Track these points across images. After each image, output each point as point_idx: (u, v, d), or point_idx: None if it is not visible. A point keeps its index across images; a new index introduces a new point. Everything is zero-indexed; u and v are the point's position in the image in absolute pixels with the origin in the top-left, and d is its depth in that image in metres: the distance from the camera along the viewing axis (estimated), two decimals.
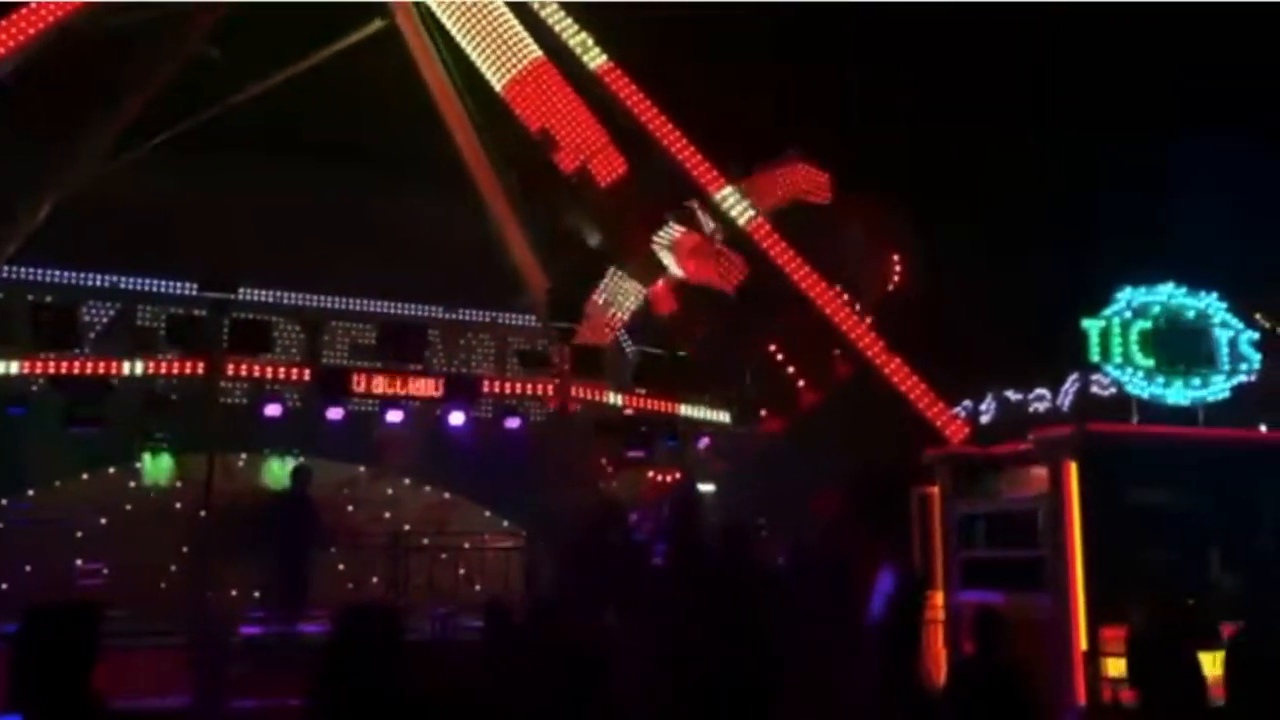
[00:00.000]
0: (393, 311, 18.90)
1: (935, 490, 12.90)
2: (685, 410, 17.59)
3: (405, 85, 18.79)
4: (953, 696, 7.68)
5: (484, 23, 17.70)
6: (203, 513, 15.34)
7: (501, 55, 17.58)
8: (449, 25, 18.00)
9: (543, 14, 17.79)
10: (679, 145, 17.50)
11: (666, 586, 10.31)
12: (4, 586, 15.31)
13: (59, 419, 14.47)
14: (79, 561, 15.85)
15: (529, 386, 16.93)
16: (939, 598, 12.39)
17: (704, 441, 17.91)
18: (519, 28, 17.63)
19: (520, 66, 17.46)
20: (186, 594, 13.78)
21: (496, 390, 16.77)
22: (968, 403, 16.07)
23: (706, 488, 17.47)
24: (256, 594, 15.60)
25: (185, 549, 15.73)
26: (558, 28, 17.73)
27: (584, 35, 17.68)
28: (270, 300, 17.39)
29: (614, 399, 17.07)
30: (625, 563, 10.96)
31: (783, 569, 11.62)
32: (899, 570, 9.57)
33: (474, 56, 17.77)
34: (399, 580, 15.86)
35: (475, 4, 17.75)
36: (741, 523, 11.72)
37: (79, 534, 16.23)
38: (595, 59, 17.56)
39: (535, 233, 19.46)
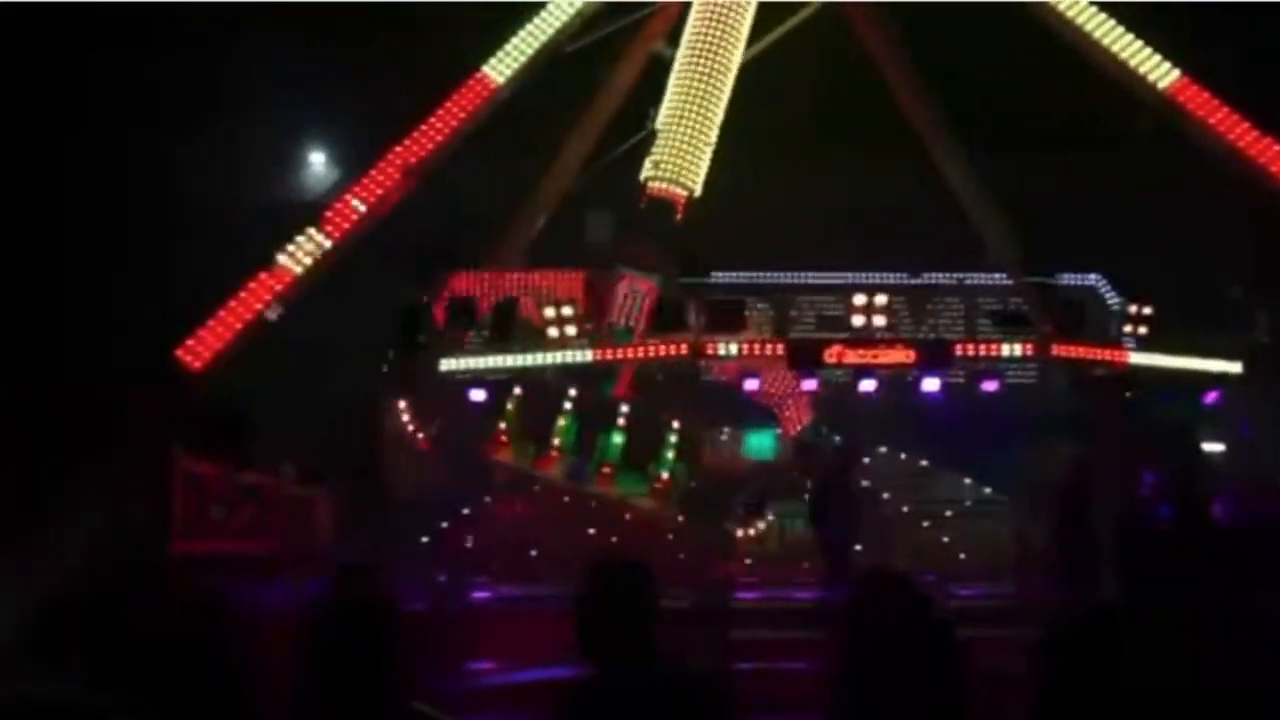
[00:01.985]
0: (856, 282, 18.96)
1: None
2: (1186, 363, 16.06)
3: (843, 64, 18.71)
4: None
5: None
6: (693, 484, 16.34)
7: None
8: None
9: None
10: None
11: (1171, 554, 9.44)
12: (533, 553, 17.19)
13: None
14: (590, 530, 17.46)
15: (1005, 347, 16.25)
16: None
17: (1211, 396, 16.26)
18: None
19: None
20: (688, 561, 14.68)
21: (970, 353, 16.27)
22: None
23: (1215, 447, 15.87)
24: (748, 561, 16.35)
25: (680, 518, 16.83)
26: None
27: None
28: (740, 280, 18.06)
29: (1101, 355, 15.96)
30: (1128, 527, 10.18)
31: None
32: None
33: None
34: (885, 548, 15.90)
35: None
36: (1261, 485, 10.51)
37: (593, 504, 17.86)
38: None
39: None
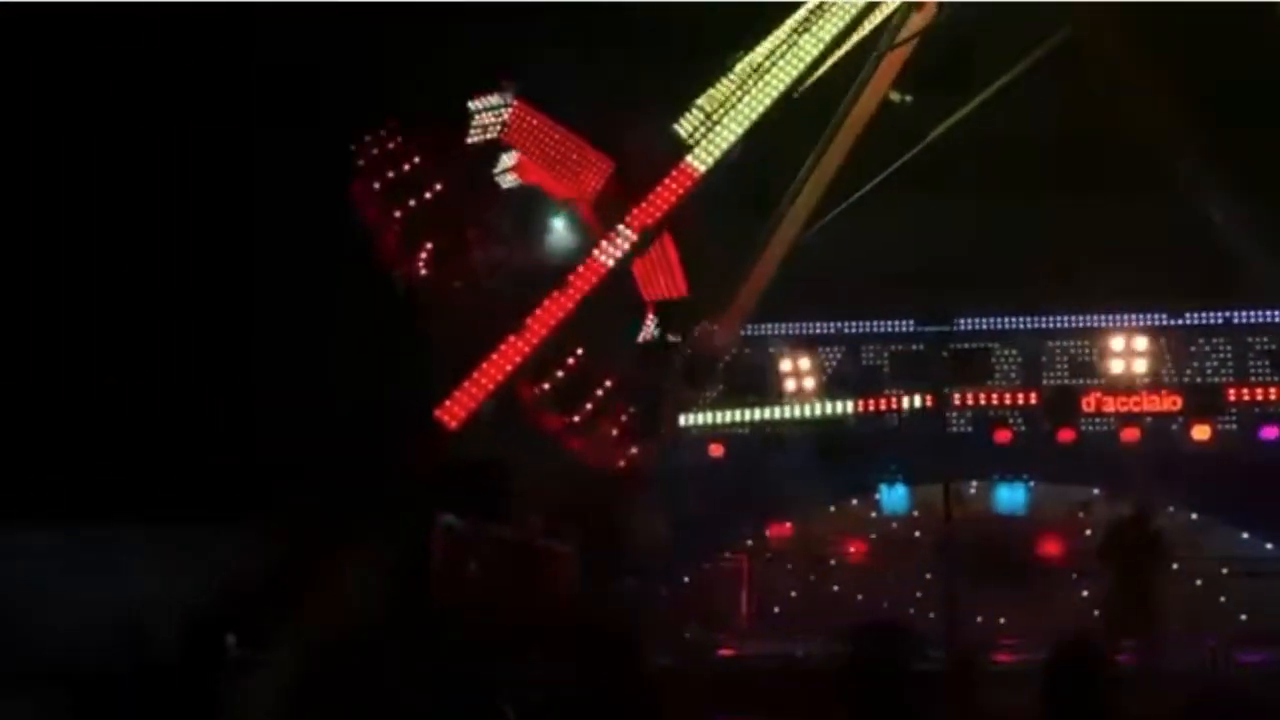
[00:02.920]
0: (1110, 325, 17.97)
1: None
2: None
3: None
4: None
5: None
6: (942, 540, 15.80)
7: None
8: None
9: None
10: None
11: None
12: (776, 610, 17.06)
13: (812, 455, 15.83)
14: (834, 587, 17.17)
15: None
16: None
17: None
18: None
19: None
20: (940, 620, 14.20)
21: (1245, 398, 15.10)
22: None
23: None
24: (1002, 620, 15.66)
25: (928, 575, 16.32)
26: None
27: None
28: (987, 327, 17.45)
29: None
30: None
31: None
32: None
33: None
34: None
35: None
36: None
37: (831, 562, 17.59)
38: None
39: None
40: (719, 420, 16.18)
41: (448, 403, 15.85)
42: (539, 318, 16.35)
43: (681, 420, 16.24)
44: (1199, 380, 16.21)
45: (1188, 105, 17.12)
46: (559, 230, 17.43)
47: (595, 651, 5.00)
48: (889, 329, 17.97)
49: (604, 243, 16.44)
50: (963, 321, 16.07)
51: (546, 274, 16.65)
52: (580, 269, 16.51)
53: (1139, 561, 12.36)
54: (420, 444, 14.85)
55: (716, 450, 16.24)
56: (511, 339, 16.28)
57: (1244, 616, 15.22)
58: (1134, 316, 17.09)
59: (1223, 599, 15.86)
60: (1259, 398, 15.20)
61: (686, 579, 16.14)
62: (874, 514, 17.74)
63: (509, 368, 16.11)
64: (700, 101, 17.05)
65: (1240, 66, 16.22)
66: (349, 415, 14.97)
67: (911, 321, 18.24)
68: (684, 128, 16.81)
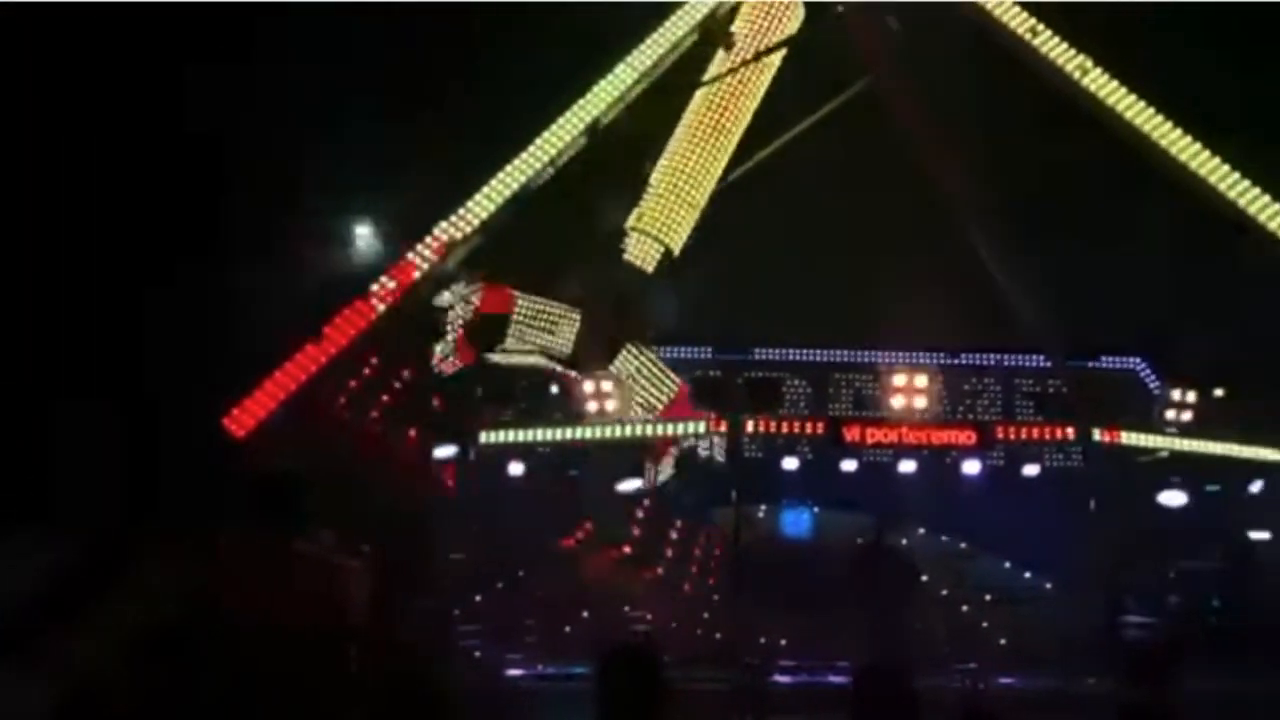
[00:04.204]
0: (893, 362, 18.94)
1: None
2: (1234, 449, 15.90)
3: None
4: None
5: None
6: (731, 562, 16.25)
7: None
8: None
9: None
10: None
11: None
12: (567, 629, 17.10)
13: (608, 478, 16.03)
14: (625, 608, 17.36)
15: (1046, 431, 16.17)
16: None
17: (1257, 484, 16.05)
18: None
19: None
20: (724, 641, 14.58)
21: (1011, 436, 16.20)
22: None
23: (1260, 535, 15.63)
24: (783, 641, 16.20)
25: (715, 597, 16.73)
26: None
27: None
28: (779, 358, 18.13)
29: (1147, 440, 15.83)
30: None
31: None
32: None
33: None
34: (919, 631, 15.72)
35: None
36: None
37: (622, 582, 17.76)
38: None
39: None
40: (520, 438, 16.18)
41: (236, 411, 15.28)
42: (338, 326, 15.97)
43: (482, 438, 16.15)
44: (971, 417, 17.28)
45: (970, 160, 18.31)
46: (364, 238, 17.09)
47: (383, 669, 4.94)
48: (688, 355, 18.45)
49: (408, 255, 16.24)
50: (758, 351, 16.63)
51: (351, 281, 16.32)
52: (380, 282, 16.22)
53: (889, 587, 13.06)
54: (208, 451, 14.25)
55: (517, 468, 16.22)
56: (308, 347, 15.84)
57: (1003, 641, 16.17)
58: (916, 355, 18.10)
59: (985, 624, 16.84)
60: (1024, 436, 16.27)
61: (479, 598, 15.99)
62: (673, 535, 18.08)
63: (303, 376, 15.66)
64: None
65: (1019, 127, 17.49)
66: (133, 422, 14.19)
67: (710, 349, 18.82)
68: None
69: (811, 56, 18.09)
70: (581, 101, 16.96)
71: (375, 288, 16.05)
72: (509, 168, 16.59)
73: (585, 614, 16.80)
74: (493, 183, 16.55)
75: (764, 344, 18.56)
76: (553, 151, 16.66)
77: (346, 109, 16.92)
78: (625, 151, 17.91)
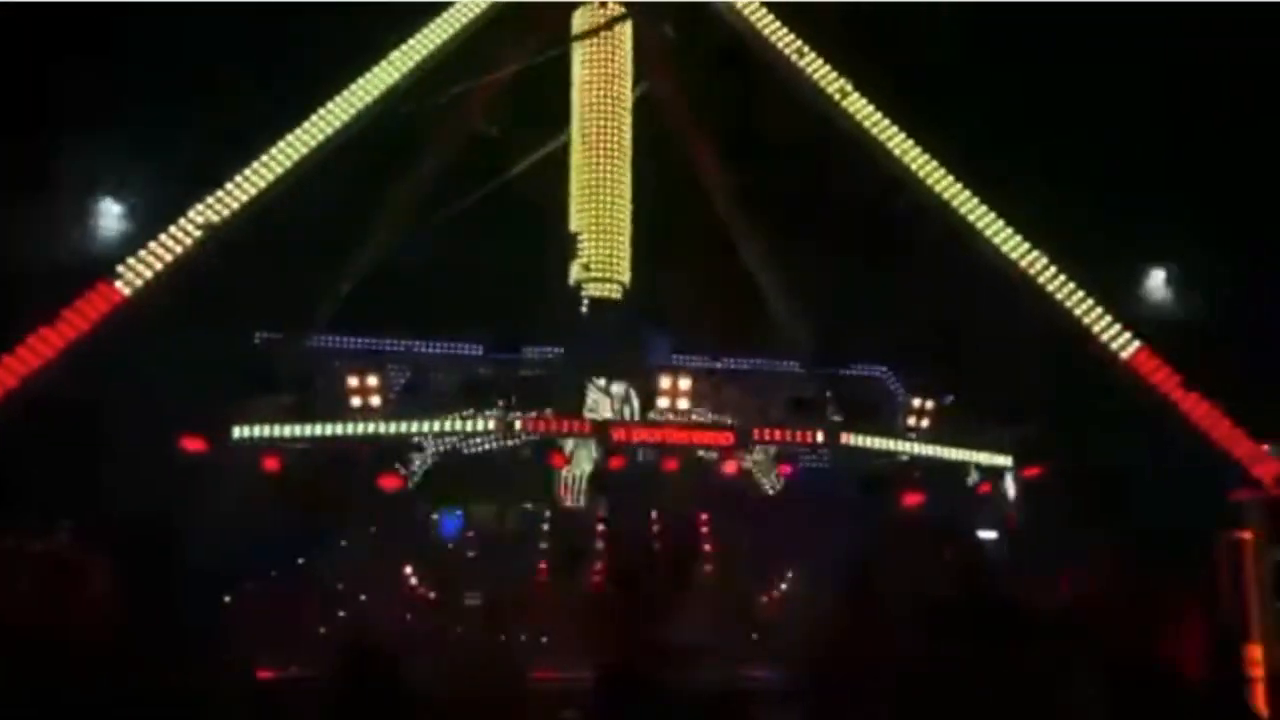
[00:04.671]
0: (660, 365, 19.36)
1: (1248, 536, 11.99)
2: (965, 454, 17.15)
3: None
4: None
5: None
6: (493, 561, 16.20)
7: None
8: None
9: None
10: None
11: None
12: (322, 630, 16.60)
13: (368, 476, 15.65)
14: (383, 609, 17.01)
15: (798, 435, 16.91)
16: (1256, 652, 11.45)
17: (983, 487, 17.38)
18: None
19: None
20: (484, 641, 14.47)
21: (765, 438, 16.85)
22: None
23: (988, 534, 16.89)
24: (544, 639, 16.25)
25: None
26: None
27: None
28: (552, 357, 18.20)
29: (887, 445, 16.84)
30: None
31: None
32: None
33: None
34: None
35: None
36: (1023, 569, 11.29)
37: (384, 582, 17.41)
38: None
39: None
40: (277, 434, 15.58)
41: None
42: (78, 310, 14.93)
43: (236, 432, 15.47)
44: (730, 420, 17.86)
45: (738, 172, 19.02)
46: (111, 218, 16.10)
47: (124, 667, 4.69)
48: (460, 351, 18.28)
49: (160, 236, 15.39)
50: (529, 350, 16.64)
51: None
52: (129, 264, 15.30)
53: (652, 584, 13.33)
54: None
55: (272, 464, 15.58)
56: (44, 331, 14.75)
57: (755, 636, 16.77)
58: (681, 358, 18.59)
59: (740, 619, 17.41)
60: (778, 438, 16.95)
61: (228, 598, 15.28)
62: (430, 534, 17.83)
63: (37, 363, 14.55)
64: None
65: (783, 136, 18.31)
66: None
67: (482, 347, 18.72)
68: None
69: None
70: (346, 91, 16.57)
71: (121, 269, 15.12)
72: (268, 154, 15.99)
73: (340, 614, 16.41)
74: (254, 165, 15.89)
75: (536, 343, 18.62)
76: (312, 143, 16.17)
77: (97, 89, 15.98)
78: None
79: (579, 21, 18.87)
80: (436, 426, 15.84)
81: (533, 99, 18.95)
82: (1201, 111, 20.40)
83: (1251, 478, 14.54)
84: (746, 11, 18.08)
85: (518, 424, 15.46)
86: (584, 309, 17.65)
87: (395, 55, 16.86)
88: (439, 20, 17.27)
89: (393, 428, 15.62)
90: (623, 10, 18.69)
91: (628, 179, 18.40)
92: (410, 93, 16.98)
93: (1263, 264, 18.67)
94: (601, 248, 17.94)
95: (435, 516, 17.49)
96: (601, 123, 18.35)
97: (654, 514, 15.69)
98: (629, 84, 18.81)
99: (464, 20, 17.36)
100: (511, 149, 19.23)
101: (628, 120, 18.64)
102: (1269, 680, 11.29)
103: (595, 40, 18.57)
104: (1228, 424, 15.50)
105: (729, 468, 16.60)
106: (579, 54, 18.78)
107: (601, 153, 18.30)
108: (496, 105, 18.76)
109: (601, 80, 18.54)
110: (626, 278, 18.00)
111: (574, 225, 18.16)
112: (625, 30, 18.82)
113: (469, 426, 15.76)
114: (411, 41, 16.95)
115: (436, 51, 17.11)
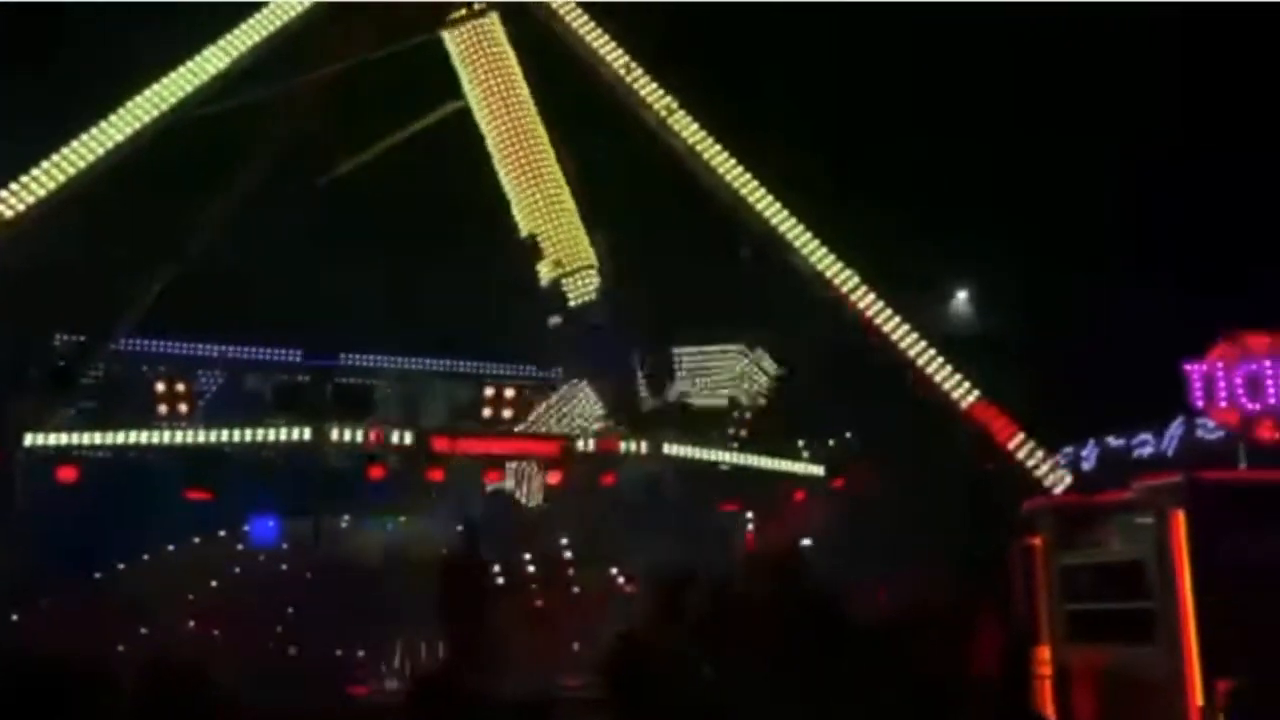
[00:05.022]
0: (488, 374, 19.24)
1: (1038, 541, 12.64)
2: (779, 464, 17.60)
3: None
4: None
5: None
6: (308, 574, 15.76)
7: None
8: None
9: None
10: None
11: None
12: (121, 648, 15.82)
13: (174, 487, 14.98)
14: (190, 623, 16.36)
15: (625, 444, 17.03)
16: (1045, 652, 12.10)
17: (799, 495, 17.87)
18: None
19: None
20: (301, 656, 14.10)
21: (592, 449, 16.91)
22: (1068, 449, 15.72)
23: (803, 541, 17.37)
24: (361, 653, 15.92)
25: (290, 610, 16.15)
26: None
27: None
28: (371, 364, 17.85)
29: (709, 454, 17.14)
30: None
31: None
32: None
33: None
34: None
35: None
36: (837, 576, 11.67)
37: (190, 597, 16.74)
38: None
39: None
40: (74, 441, 14.73)
41: None
42: None
43: (28, 440, 14.58)
44: (558, 431, 17.86)
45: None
46: None
47: None
48: (276, 357, 17.72)
49: None
50: (347, 357, 16.25)
51: None
52: None
53: (473, 600, 13.25)
54: None
55: (68, 474, 14.71)
56: None
57: (576, 645, 16.79)
58: (504, 367, 18.48)
59: (561, 630, 17.41)
60: (604, 449, 17.01)
61: (15, 617, 14.44)
62: (240, 546, 17.25)
63: None
64: None
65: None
66: None
67: (300, 352, 18.20)
68: None
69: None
70: (157, 85, 15.90)
71: None
72: (69, 147, 15.18)
73: (143, 631, 15.69)
74: (54, 158, 15.05)
75: (356, 349, 18.21)
76: (119, 136, 15.43)
77: None
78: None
79: (453, 45, 18.75)
80: (248, 436, 15.24)
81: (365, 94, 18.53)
82: (1009, 126, 21.54)
83: (1044, 487, 15.35)
84: (575, 25, 18.15)
85: (334, 434, 15.04)
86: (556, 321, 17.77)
87: (209, 51, 16.25)
88: (251, 21, 16.78)
89: (200, 436, 14.98)
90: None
91: (557, 168, 18.37)
92: (228, 91, 16.39)
93: (1058, 277, 19.70)
94: (564, 237, 17.93)
95: (246, 528, 16.90)
96: (513, 131, 18.43)
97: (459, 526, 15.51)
98: (521, 80, 18.73)
99: (273, 25, 16.91)
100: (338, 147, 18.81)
101: (534, 114, 18.61)
102: (1055, 678, 11.97)
103: (476, 58, 18.58)
104: (1022, 435, 16.19)
105: (554, 478, 16.60)
106: (466, 76, 18.75)
107: (525, 156, 18.32)
108: (324, 102, 18.29)
109: (498, 92, 18.59)
110: (595, 259, 17.95)
111: (525, 230, 18.06)
112: (499, 33, 18.74)
113: (283, 436, 15.23)
114: (222, 41, 16.39)
115: (249, 51, 16.59)
